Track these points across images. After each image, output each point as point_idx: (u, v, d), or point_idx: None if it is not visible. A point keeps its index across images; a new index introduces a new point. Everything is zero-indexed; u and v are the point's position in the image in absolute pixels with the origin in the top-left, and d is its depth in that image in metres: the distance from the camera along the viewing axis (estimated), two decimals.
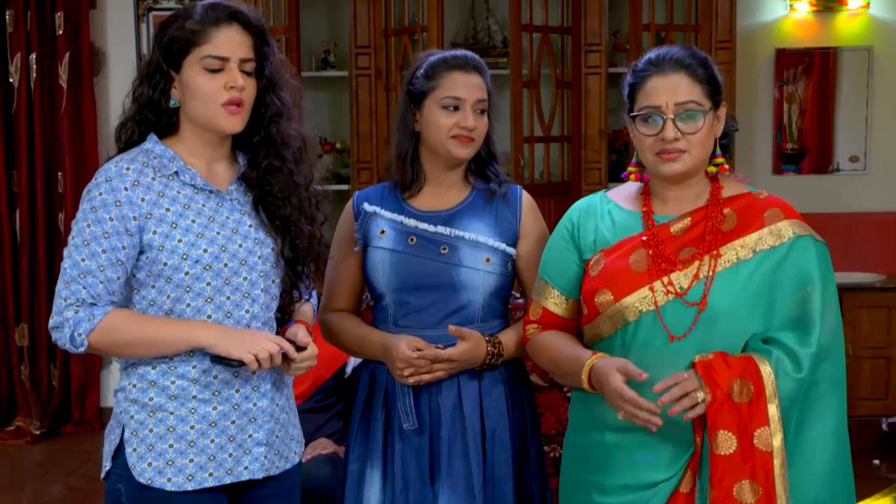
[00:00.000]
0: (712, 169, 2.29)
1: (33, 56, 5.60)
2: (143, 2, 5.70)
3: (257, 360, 2.12)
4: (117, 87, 5.71)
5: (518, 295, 2.75)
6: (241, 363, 2.13)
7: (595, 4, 5.29)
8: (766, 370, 2.14)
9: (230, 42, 2.19)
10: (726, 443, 2.12)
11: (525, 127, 5.21)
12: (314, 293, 2.47)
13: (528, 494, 2.53)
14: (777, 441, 2.13)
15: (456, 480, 2.43)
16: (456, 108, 2.47)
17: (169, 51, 2.18)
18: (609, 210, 2.35)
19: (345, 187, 5.42)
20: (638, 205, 2.33)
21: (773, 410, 2.13)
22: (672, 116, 2.20)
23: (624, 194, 2.38)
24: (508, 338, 2.48)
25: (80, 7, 5.61)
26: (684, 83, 2.21)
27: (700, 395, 2.11)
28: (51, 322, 2.17)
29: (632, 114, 2.26)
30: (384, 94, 5.35)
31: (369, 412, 2.53)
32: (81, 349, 2.15)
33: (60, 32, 5.59)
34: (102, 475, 2.26)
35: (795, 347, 2.16)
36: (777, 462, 2.13)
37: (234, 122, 2.21)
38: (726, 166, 2.30)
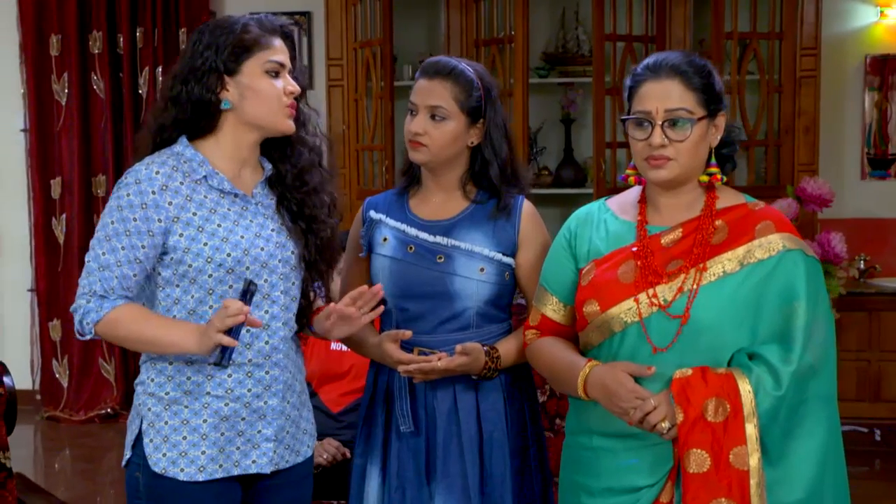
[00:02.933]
0: (704, 178, 2.19)
1: (159, 69, 5.84)
2: None
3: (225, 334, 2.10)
4: None
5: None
6: (220, 358, 2.12)
7: (680, 13, 5.22)
8: (745, 389, 2.05)
9: (284, 51, 2.27)
10: (699, 461, 2.05)
11: (608, 133, 5.17)
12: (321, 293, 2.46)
13: (531, 495, 2.49)
14: (754, 461, 2.05)
15: (452, 481, 2.41)
16: (414, 114, 2.45)
17: (230, 54, 2.21)
18: (605, 220, 2.29)
19: None
20: (633, 213, 2.26)
21: (750, 430, 2.05)
22: (661, 122, 2.13)
23: (621, 202, 2.31)
24: (508, 348, 2.44)
25: (201, 23, 5.85)
26: (677, 90, 2.13)
27: (665, 426, 2.06)
28: (71, 307, 2.23)
29: (622, 117, 2.22)
30: None
31: (373, 410, 2.53)
32: (88, 337, 2.21)
33: (183, 47, 5.86)
34: (123, 463, 2.30)
35: (777, 364, 2.07)
36: (753, 481, 2.04)
37: (293, 124, 2.28)
38: (718, 176, 2.20)
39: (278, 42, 2.27)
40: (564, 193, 5.58)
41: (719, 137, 2.20)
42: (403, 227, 2.49)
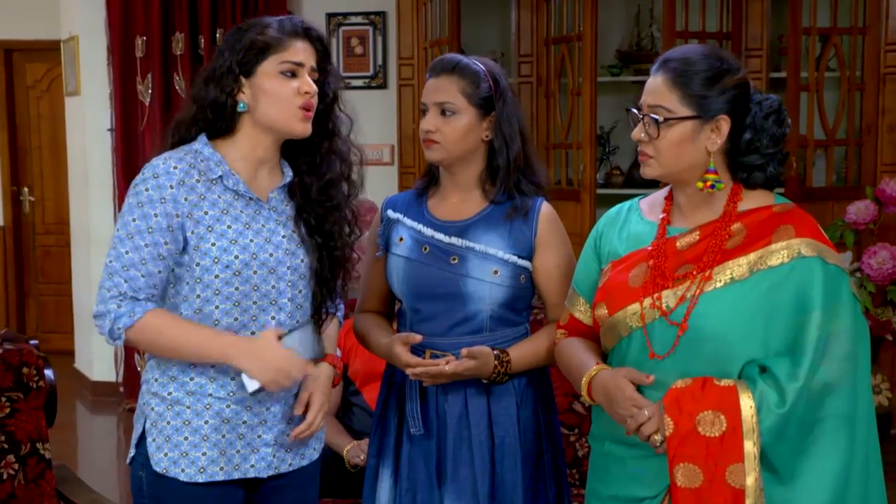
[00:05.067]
0: (699, 185, 2.04)
1: None
2: (334, 18, 5.94)
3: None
4: None
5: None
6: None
7: (756, 9, 5.05)
8: (746, 403, 1.92)
9: (304, 52, 2.21)
10: (690, 476, 1.93)
11: None
12: (340, 306, 2.44)
13: (544, 503, 2.42)
14: (750, 480, 1.91)
15: (462, 486, 2.36)
16: (425, 113, 2.41)
17: (245, 56, 2.18)
18: (631, 220, 2.20)
19: None
20: (659, 213, 2.15)
21: (749, 447, 1.91)
22: (642, 117, 2.03)
23: (651, 201, 2.22)
24: (520, 353, 2.36)
25: None
26: (661, 87, 2.02)
27: (658, 438, 1.95)
28: (94, 310, 2.16)
29: (626, 108, 2.13)
30: (544, 101, 5.34)
31: (386, 412, 2.49)
32: (119, 342, 2.16)
33: None
34: (128, 461, 2.30)
35: (782, 379, 1.93)
36: (749, 502, 1.91)
37: (307, 126, 2.21)
38: (710, 182, 2.02)
39: (299, 43, 2.21)
40: (637, 193, 5.43)
41: (720, 142, 2.03)
42: (420, 226, 2.44)
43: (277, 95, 2.18)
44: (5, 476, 2.86)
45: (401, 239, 2.45)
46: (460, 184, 2.45)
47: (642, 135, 2.04)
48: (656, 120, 2.01)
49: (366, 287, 2.58)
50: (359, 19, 5.92)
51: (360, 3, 5.90)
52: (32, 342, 3.02)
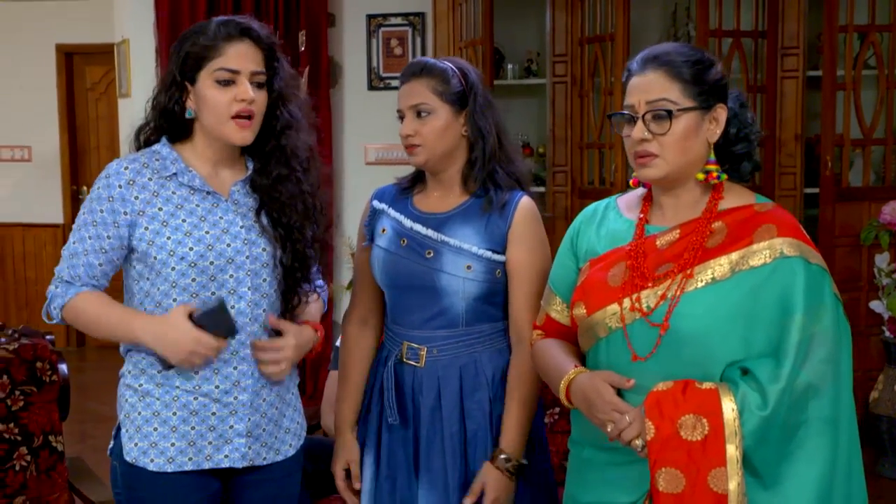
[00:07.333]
0: (700, 176, 1.99)
1: None
2: (374, 19, 5.96)
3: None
4: (351, 97, 6.00)
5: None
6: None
7: (793, 7, 4.94)
8: (728, 407, 1.85)
9: (241, 56, 2.19)
10: (672, 481, 1.87)
11: None
12: (324, 292, 2.46)
13: (519, 498, 2.39)
14: (733, 485, 1.85)
15: (434, 476, 2.36)
16: (402, 118, 2.40)
17: (185, 64, 2.21)
18: (608, 217, 2.13)
19: (541, 189, 5.41)
20: (637, 212, 2.10)
21: (731, 451, 1.85)
22: (642, 115, 1.95)
23: (629, 200, 2.15)
24: (510, 438, 2.36)
25: (321, 26, 5.89)
26: (659, 81, 1.96)
27: (639, 444, 1.89)
28: (46, 292, 2.29)
29: (608, 114, 2.11)
30: (578, 101, 5.29)
31: (371, 401, 2.50)
32: (55, 321, 2.28)
33: (303, 49, 5.88)
34: (108, 452, 2.34)
35: (764, 381, 1.86)
36: None
37: (245, 135, 2.22)
38: (715, 174, 1.98)
39: (234, 47, 2.20)
40: None
41: (719, 132, 2.00)
42: (401, 218, 2.44)
43: (214, 104, 2.20)
44: (18, 468, 2.91)
45: (383, 230, 2.46)
46: (443, 180, 2.45)
47: (645, 133, 1.96)
48: (668, 112, 1.95)
49: (356, 276, 2.59)
50: (398, 20, 5.92)
51: (400, 4, 5.89)
52: (48, 337, 3.08)
